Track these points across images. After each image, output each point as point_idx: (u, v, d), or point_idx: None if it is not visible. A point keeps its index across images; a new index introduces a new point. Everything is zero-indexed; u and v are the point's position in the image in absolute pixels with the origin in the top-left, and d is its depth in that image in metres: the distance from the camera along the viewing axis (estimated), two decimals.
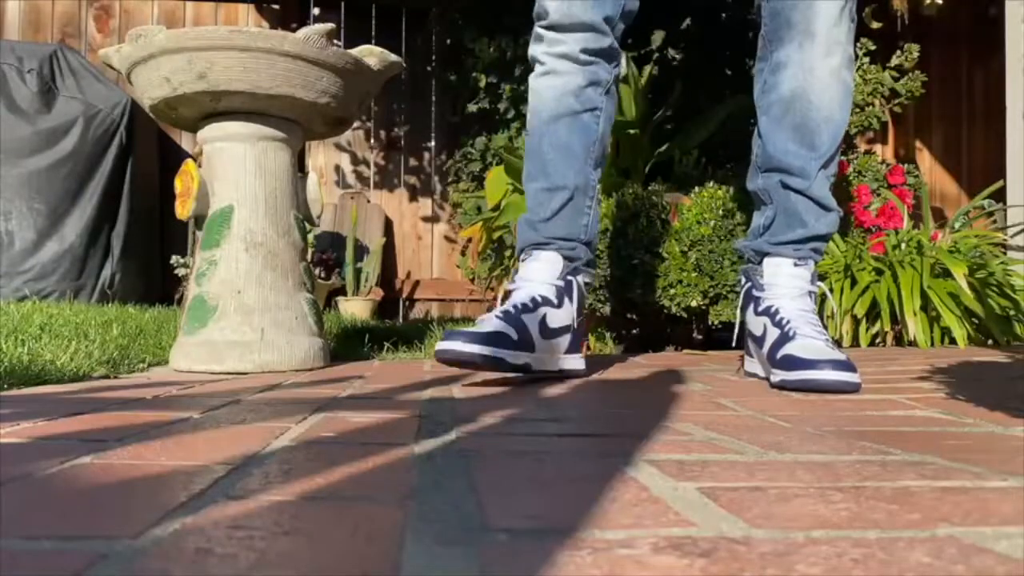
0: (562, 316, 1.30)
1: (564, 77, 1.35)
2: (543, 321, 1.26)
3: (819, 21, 1.25)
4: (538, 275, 1.32)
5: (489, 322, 1.21)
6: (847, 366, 1.09)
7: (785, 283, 1.29)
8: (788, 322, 1.22)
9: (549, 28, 1.35)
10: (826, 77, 1.27)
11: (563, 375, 1.31)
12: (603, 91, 1.38)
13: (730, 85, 3.51)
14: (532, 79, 1.40)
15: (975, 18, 4.38)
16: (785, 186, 1.33)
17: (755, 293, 1.31)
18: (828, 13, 1.25)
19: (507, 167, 2.56)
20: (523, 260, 1.37)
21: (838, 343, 2.03)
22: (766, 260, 1.33)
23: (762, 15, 1.33)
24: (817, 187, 1.31)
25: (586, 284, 1.39)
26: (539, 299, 1.28)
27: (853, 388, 1.08)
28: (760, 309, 1.29)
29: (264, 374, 1.46)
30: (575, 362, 1.35)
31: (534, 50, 1.39)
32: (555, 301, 1.29)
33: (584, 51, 1.34)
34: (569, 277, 1.33)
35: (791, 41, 1.28)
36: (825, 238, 1.34)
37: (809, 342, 1.17)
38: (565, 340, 1.30)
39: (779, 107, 1.31)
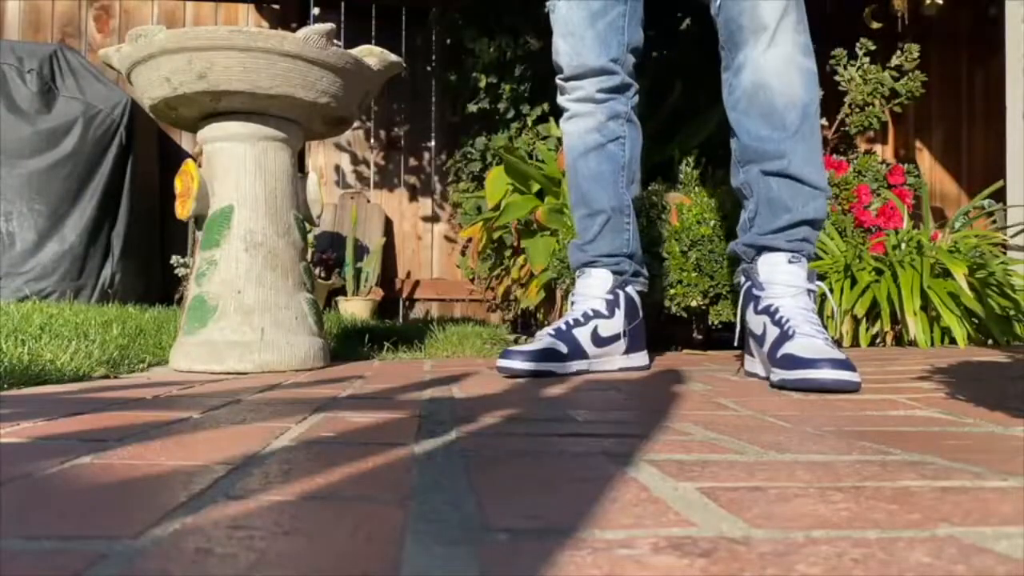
0: (613, 325, 1.47)
1: (587, 117, 1.53)
2: (595, 331, 1.45)
3: (767, 17, 1.31)
4: (591, 291, 1.49)
5: (542, 339, 1.41)
6: (847, 365, 1.09)
7: (783, 280, 1.29)
8: (788, 320, 1.23)
9: (567, 80, 1.54)
10: (782, 65, 1.31)
11: (622, 371, 1.48)
12: (623, 121, 1.54)
13: None
14: (562, 123, 1.60)
15: (975, 18, 4.38)
16: (764, 173, 1.34)
17: (755, 292, 1.32)
18: (774, 8, 1.31)
19: (507, 167, 2.56)
20: (578, 277, 1.54)
21: (838, 343, 2.03)
22: (761, 258, 1.34)
23: (718, 28, 1.40)
24: (796, 164, 1.31)
25: (638, 292, 1.55)
26: (591, 312, 1.46)
27: (853, 387, 1.08)
28: (760, 308, 1.30)
29: (264, 374, 1.46)
30: (636, 360, 1.52)
31: (559, 100, 1.59)
32: (606, 313, 1.47)
33: (600, 91, 1.52)
34: (618, 290, 1.50)
35: (746, 43, 1.33)
36: (815, 224, 1.33)
37: (809, 341, 1.17)
38: (619, 345, 1.49)
39: (744, 100, 1.35)
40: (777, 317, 1.25)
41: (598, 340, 1.45)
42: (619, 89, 1.53)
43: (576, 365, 1.41)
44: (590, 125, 1.53)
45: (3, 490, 0.50)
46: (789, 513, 0.46)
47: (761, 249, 1.34)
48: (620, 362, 1.50)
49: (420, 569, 0.35)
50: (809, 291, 1.29)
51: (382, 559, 0.37)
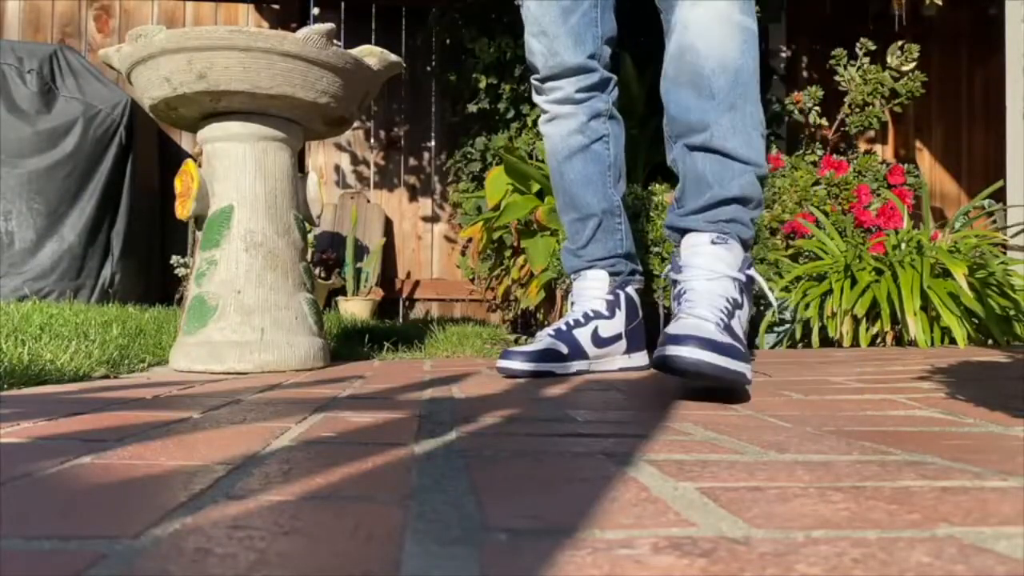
0: (614, 325, 1.45)
1: (568, 119, 1.48)
2: (595, 332, 1.43)
3: None
4: (590, 292, 1.47)
5: (542, 340, 1.39)
6: (723, 350, 0.94)
7: (701, 264, 1.13)
8: (688, 302, 1.08)
9: (543, 80, 1.48)
10: (709, 22, 1.18)
11: (622, 371, 1.46)
12: (605, 119, 1.49)
13: None
14: (541, 125, 1.54)
15: (975, 18, 4.38)
16: (689, 148, 1.22)
17: (672, 275, 1.18)
18: None
19: (507, 167, 2.56)
20: (574, 280, 1.52)
21: (838, 343, 2.03)
22: (684, 239, 1.20)
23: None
24: (720, 136, 1.18)
25: (637, 291, 1.53)
26: (591, 313, 1.44)
27: (724, 376, 0.94)
28: (675, 292, 1.16)
29: (264, 374, 1.46)
30: (636, 360, 1.50)
31: (536, 100, 1.52)
32: (606, 313, 1.45)
33: (579, 91, 1.45)
34: (618, 291, 1.47)
35: (678, 3, 1.21)
36: (743, 202, 1.18)
37: (690, 320, 1.01)
38: (619, 345, 1.46)
39: (672, 65, 1.23)
40: (682, 299, 1.10)
41: (598, 340, 1.43)
42: (598, 86, 1.46)
43: (576, 365, 1.41)
44: (572, 127, 1.47)
45: (3, 490, 0.50)
46: (789, 513, 0.46)
47: (684, 231, 1.20)
48: (620, 362, 1.49)
49: (420, 569, 0.35)
50: (734, 279, 1.12)
51: (382, 559, 0.37)
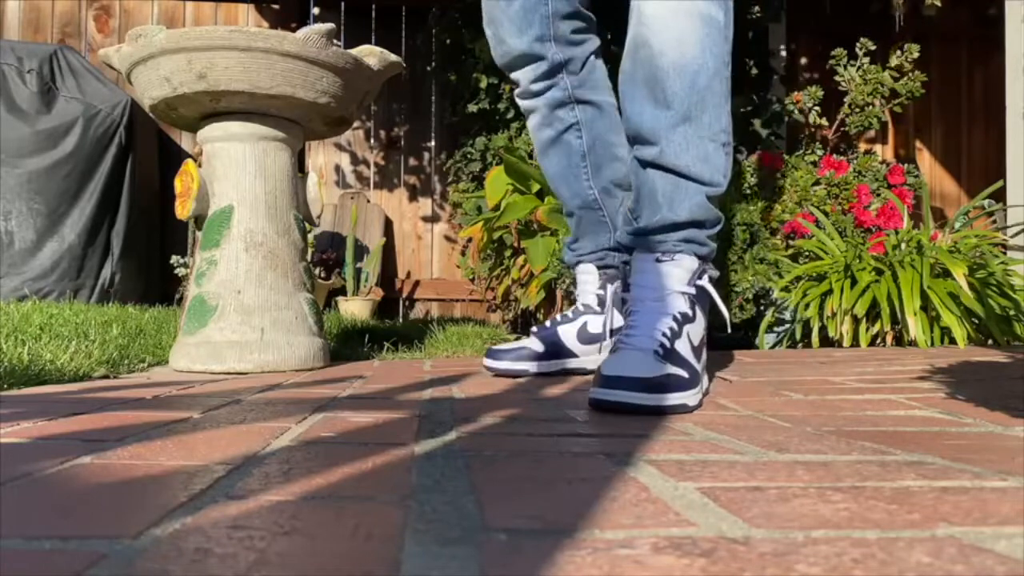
0: (603, 321, 1.40)
1: (535, 113, 1.42)
2: (583, 328, 1.39)
3: None
4: (583, 287, 1.44)
5: (524, 340, 1.39)
6: (657, 387, 0.91)
7: (648, 283, 1.06)
8: (630, 328, 1.02)
9: (508, 73, 1.42)
10: (666, 13, 1.04)
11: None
12: (572, 105, 1.39)
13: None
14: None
15: (975, 18, 4.38)
16: (640, 162, 1.10)
17: (622, 294, 1.14)
18: None
19: (507, 167, 2.56)
20: (576, 275, 1.50)
21: (838, 343, 2.03)
22: (634, 254, 1.11)
23: None
24: (671, 153, 1.06)
25: None
26: (581, 308, 1.41)
27: (659, 412, 0.90)
28: (624, 310, 1.09)
29: (264, 374, 1.46)
30: None
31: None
32: (597, 309, 1.41)
33: (533, 82, 1.38)
34: (608, 285, 1.42)
35: None
36: (697, 225, 1.07)
37: (626, 354, 0.96)
38: (609, 343, 1.39)
39: (628, 60, 1.09)
40: (627, 321, 1.04)
41: (586, 337, 1.39)
42: (551, 73, 1.34)
43: (557, 363, 1.37)
44: (538, 121, 1.41)
45: (3, 490, 0.50)
46: (789, 513, 0.46)
47: (632, 249, 1.13)
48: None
49: (420, 569, 0.35)
50: (683, 293, 1.04)
51: (382, 559, 0.37)
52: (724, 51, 1.07)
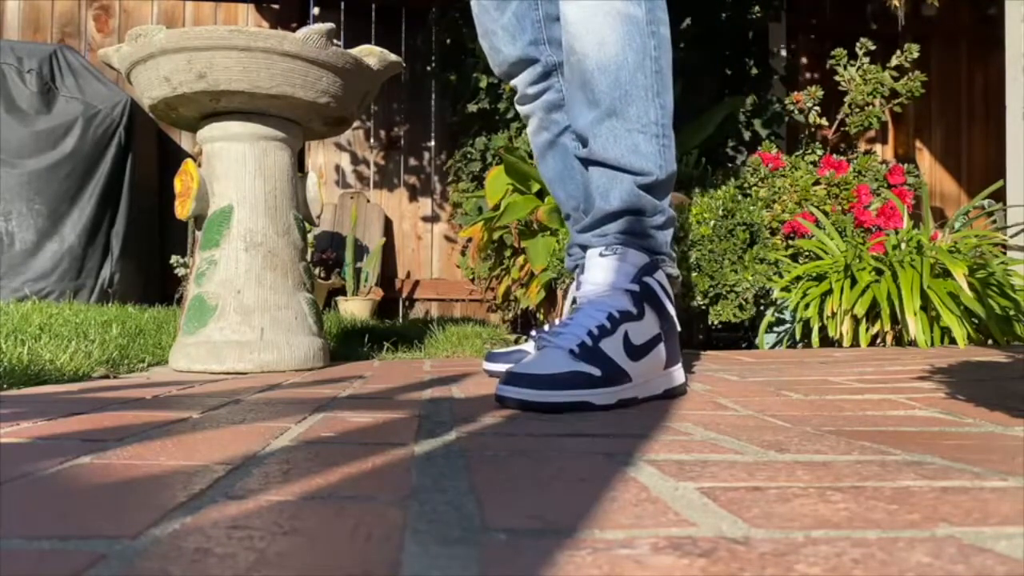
0: None
1: (532, 118, 1.41)
2: None
3: None
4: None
5: (523, 344, 1.43)
6: (561, 383, 0.90)
7: (590, 279, 1.07)
8: (561, 326, 1.02)
9: (506, 80, 1.41)
10: (585, 16, 1.08)
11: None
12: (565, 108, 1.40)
13: (730, 85, 3.52)
14: None
15: (975, 18, 4.38)
16: (581, 160, 1.15)
17: (573, 292, 1.13)
18: None
19: (507, 167, 2.56)
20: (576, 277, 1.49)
21: (838, 343, 2.03)
22: (587, 252, 1.12)
23: None
24: (600, 148, 1.09)
25: None
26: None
27: (559, 409, 0.89)
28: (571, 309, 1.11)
29: (264, 374, 1.46)
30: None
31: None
32: None
33: (529, 85, 1.38)
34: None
35: None
36: (633, 213, 1.09)
37: (541, 354, 0.96)
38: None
39: (566, 68, 1.15)
40: (561, 320, 1.04)
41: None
42: (546, 75, 1.36)
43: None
44: (535, 125, 1.41)
45: (3, 490, 0.50)
46: (789, 513, 0.46)
47: (583, 246, 1.15)
48: None
49: (420, 569, 0.35)
50: (627, 290, 1.03)
51: (382, 559, 0.37)
52: (647, 45, 1.09)
